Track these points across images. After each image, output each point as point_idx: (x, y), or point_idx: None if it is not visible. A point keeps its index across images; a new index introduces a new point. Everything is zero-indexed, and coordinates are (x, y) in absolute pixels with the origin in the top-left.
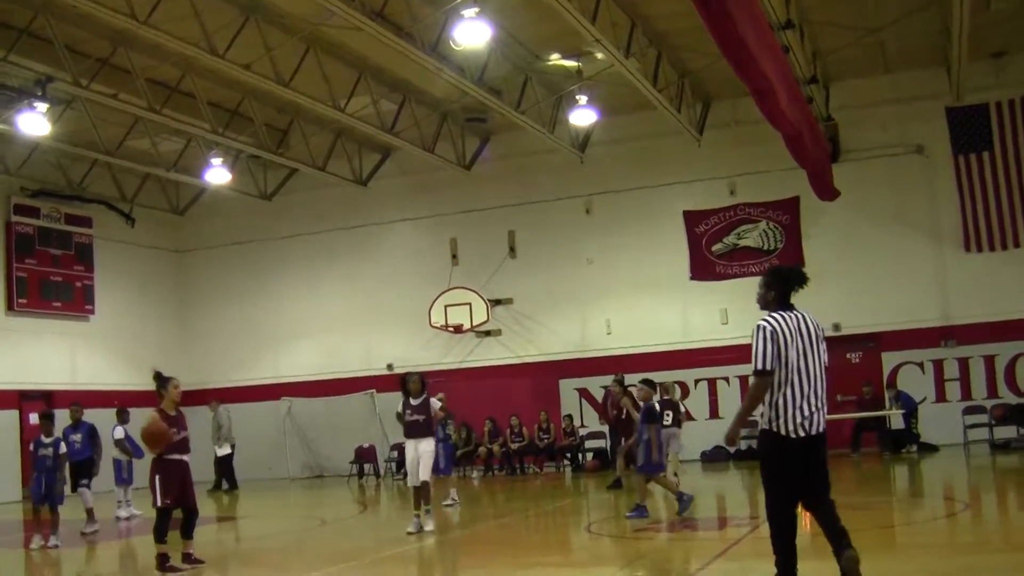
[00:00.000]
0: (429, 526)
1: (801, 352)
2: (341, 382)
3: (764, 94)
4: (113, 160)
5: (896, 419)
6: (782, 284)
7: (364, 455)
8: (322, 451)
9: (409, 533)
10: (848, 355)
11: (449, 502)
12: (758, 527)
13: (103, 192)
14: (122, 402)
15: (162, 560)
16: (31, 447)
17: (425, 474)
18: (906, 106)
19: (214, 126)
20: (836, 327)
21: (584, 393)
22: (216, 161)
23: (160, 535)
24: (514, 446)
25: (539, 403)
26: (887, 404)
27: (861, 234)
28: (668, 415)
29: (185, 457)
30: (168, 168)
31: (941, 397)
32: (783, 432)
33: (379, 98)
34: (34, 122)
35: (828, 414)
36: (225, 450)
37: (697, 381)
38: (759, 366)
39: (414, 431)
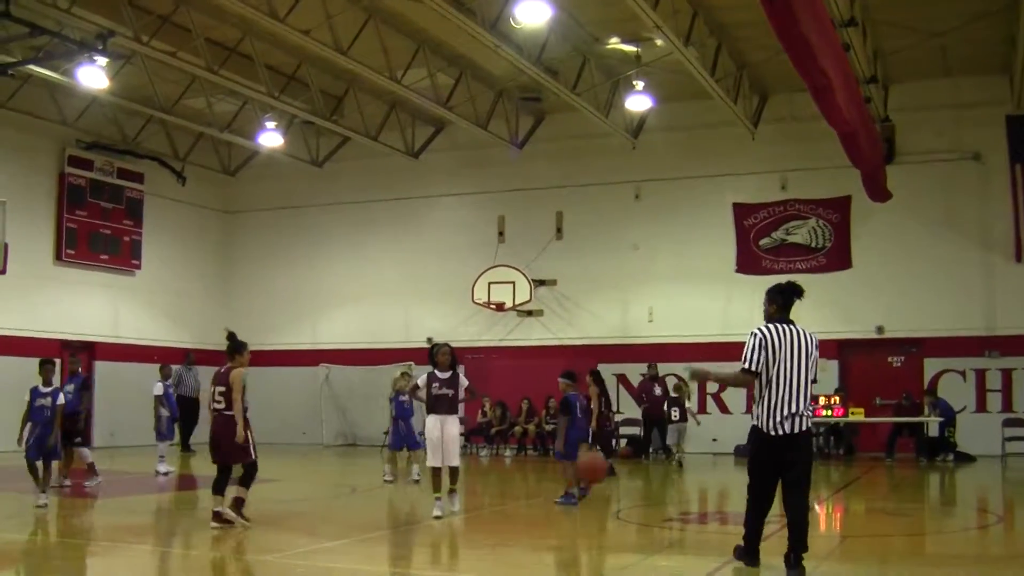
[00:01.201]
0: (456, 506)
1: (788, 361)
2: (379, 352)
3: (822, 91)
4: (168, 117)
5: (933, 427)
6: (781, 298)
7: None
8: (357, 420)
9: (436, 518)
10: (890, 359)
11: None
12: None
13: (156, 149)
14: (162, 358)
15: (238, 504)
16: (28, 396)
17: (453, 459)
18: (965, 112)
19: (270, 89)
20: (879, 329)
21: (622, 379)
22: (270, 124)
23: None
24: (548, 427)
25: (576, 386)
26: (925, 411)
27: (910, 238)
28: (676, 411)
29: (230, 413)
30: (222, 129)
31: (981, 407)
32: (765, 429)
33: (436, 71)
34: (93, 75)
35: (866, 416)
36: None
37: (743, 370)
38: (744, 365)
39: (440, 407)
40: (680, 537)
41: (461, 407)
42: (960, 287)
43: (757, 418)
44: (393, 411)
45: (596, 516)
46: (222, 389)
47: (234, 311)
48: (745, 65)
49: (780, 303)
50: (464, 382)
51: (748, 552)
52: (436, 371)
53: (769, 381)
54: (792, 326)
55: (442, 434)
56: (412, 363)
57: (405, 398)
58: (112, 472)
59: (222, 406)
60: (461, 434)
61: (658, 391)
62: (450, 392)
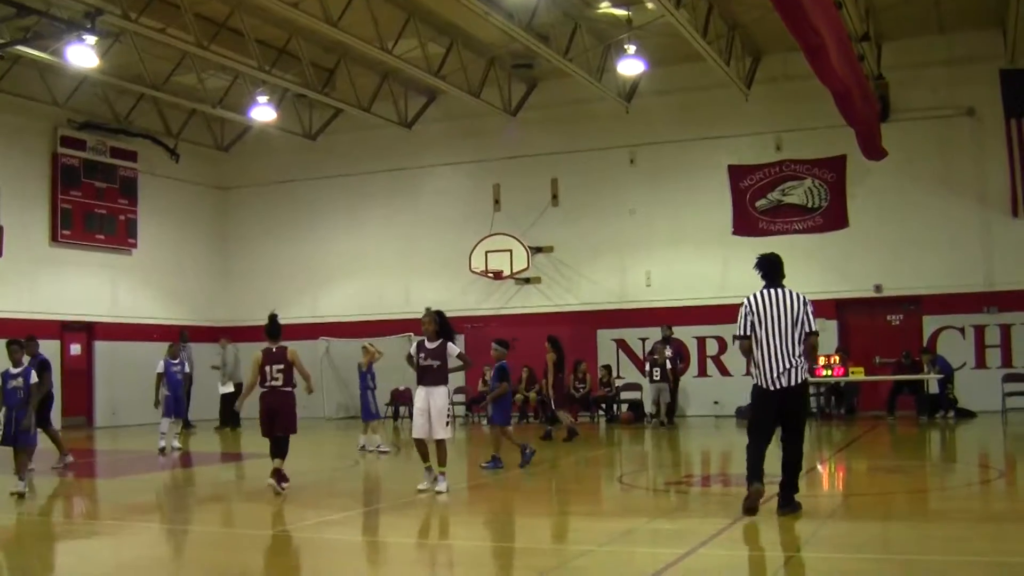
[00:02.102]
0: (442, 486)
1: (775, 323)
2: (379, 324)
3: (815, 50)
4: (159, 95)
5: (933, 384)
6: (761, 269)
7: (400, 397)
8: (358, 392)
9: (420, 490)
10: (889, 317)
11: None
12: None
13: (149, 127)
14: (161, 336)
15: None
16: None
17: (438, 431)
18: (959, 67)
19: (261, 64)
20: (878, 288)
21: (622, 344)
22: (262, 99)
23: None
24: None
25: (576, 353)
26: (925, 368)
27: (907, 196)
28: (656, 372)
29: (288, 388)
30: (214, 104)
31: (981, 363)
32: (764, 385)
33: (427, 41)
34: (83, 54)
35: (866, 375)
36: (228, 388)
37: (735, 337)
38: (736, 332)
39: (425, 378)
40: (684, 500)
41: (462, 376)
42: (957, 244)
43: (755, 376)
44: (369, 383)
45: (599, 482)
46: (280, 367)
47: (232, 287)
48: (737, 26)
49: (763, 272)
50: (454, 350)
51: (752, 476)
52: (424, 340)
53: (760, 342)
54: (779, 290)
55: (428, 406)
56: (412, 334)
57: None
58: (117, 451)
59: (280, 383)
60: (460, 404)
61: (669, 352)
62: (435, 363)
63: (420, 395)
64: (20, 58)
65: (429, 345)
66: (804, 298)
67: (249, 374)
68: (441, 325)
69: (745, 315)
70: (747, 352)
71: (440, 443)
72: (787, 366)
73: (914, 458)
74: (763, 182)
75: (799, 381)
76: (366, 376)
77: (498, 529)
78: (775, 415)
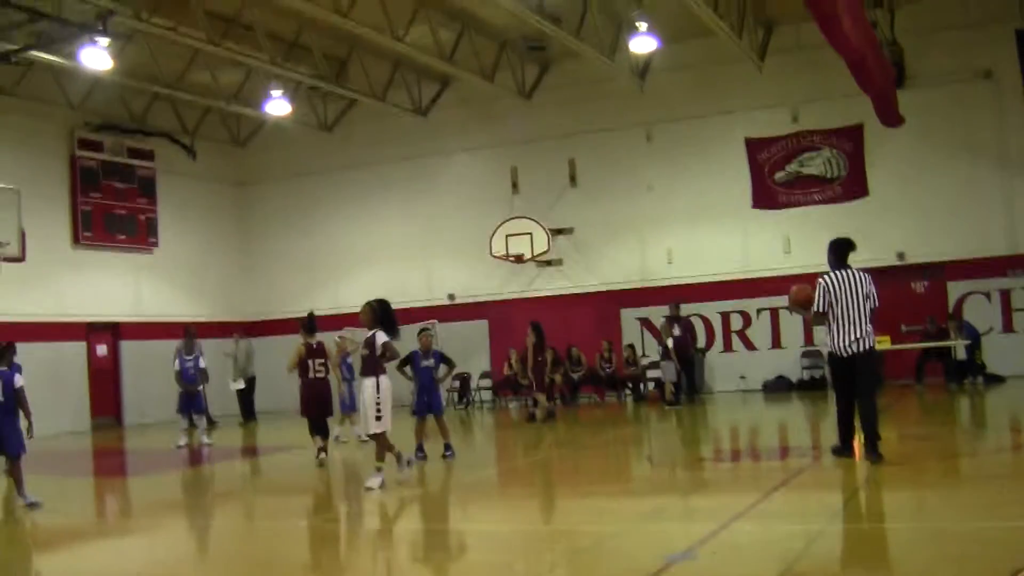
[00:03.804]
0: (373, 482)
1: (848, 299)
2: (402, 312)
3: (828, 18)
4: (174, 93)
5: (960, 350)
6: (837, 250)
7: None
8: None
9: (367, 489)
10: (913, 285)
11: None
12: (820, 457)
13: (165, 125)
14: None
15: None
16: None
17: (368, 426)
18: (974, 30)
19: (273, 57)
20: (900, 256)
21: (645, 323)
22: (276, 93)
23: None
24: (575, 375)
25: (601, 333)
26: (951, 335)
27: (926, 162)
28: (660, 350)
29: (327, 378)
30: (228, 100)
31: (1008, 327)
32: (838, 353)
33: (438, 27)
34: (96, 57)
35: (892, 344)
36: (238, 385)
37: (760, 311)
38: (815, 308)
39: (362, 368)
40: (714, 476)
41: (487, 360)
42: (979, 208)
43: (831, 346)
44: (345, 374)
45: (628, 461)
46: (321, 360)
47: (254, 281)
48: None
49: (835, 254)
50: (379, 340)
51: (844, 446)
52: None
53: (836, 317)
54: (849, 270)
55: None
56: (436, 321)
57: (351, 360)
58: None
59: (322, 374)
60: (487, 388)
61: (677, 331)
62: (365, 352)
63: (362, 387)
64: (34, 63)
65: (366, 335)
66: (869, 277)
67: (291, 362)
68: (382, 315)
69: (824, 293)
70: (820, 324)
71: (374, 437)
72: (858, 335)
73: (944, 425)
74: (781, 154)
75: (866, 348)
76: (340, 368)
77: (529, 511)
78: (851, 377)
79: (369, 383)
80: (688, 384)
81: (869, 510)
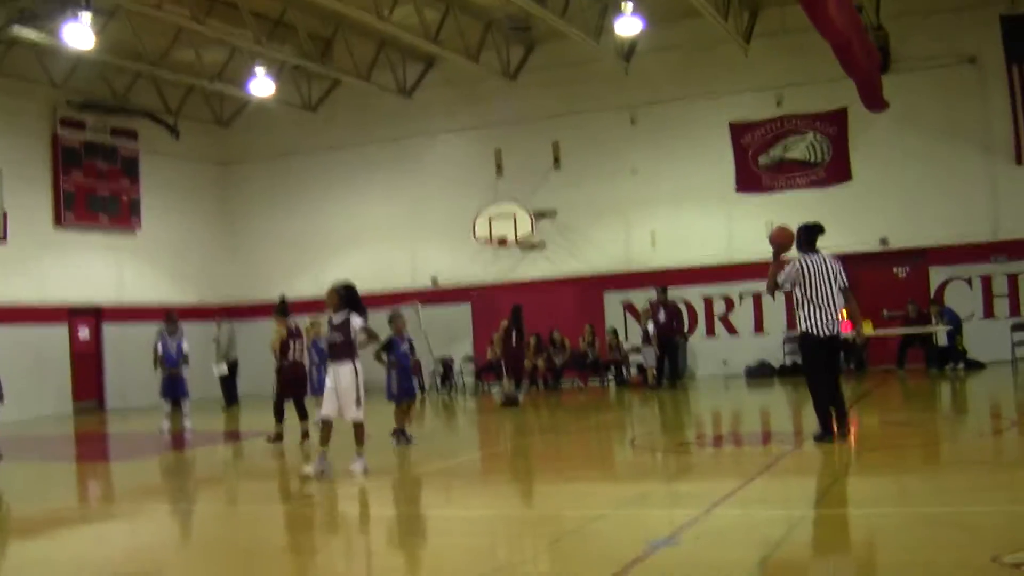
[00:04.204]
0: (357, 467)
1: (820, 282)
2: (386, 296)
3: (812, 2)
4: (157, 71)
5: (941, 336)
6: (807, 235)
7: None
8: (366, 364)
9: (304, 476)
10: (895, 270)
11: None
12: (802, 443)
13: (148, 104)
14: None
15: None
16: None
17: (349, 411)
18: (959, 15)
19: (257, 36)
20: (883, 241)
21: (629, 307)
22: (260, 72)
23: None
24: (557, 360)
25: (584, 317)
26: (933, 320)
27: (910, 147)
28: (642, 334)
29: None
30: (212, 79)
31: (989, 313)
32: (817, 333)
33: (423, 7)
34: (79, 33)
35: (874, 329)
36: (221, 369)
37: (742, 296)
38: (780, 281)
39: (332, 354)
40: (696, 461)
41: (470, 345)
42: (963, 194)
43: (807, 327)
44: (314, 357)
45: (611, 446)
46: (299, 342)
47: (238, 264)
48: None
49: (804, 238)
50: (357, 323)
51: (825, 432)
52: (331, 316)
53: (810, 299)
54: (819, 254)
55: (336, 385)
56: (419, 303)
57: (323, 344)
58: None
59: (300, 356)
60: (469, 374)
61: (662, 316)
62: (340, 338)
63: (329, 373)
64: (16, 40)
65: (334, 320)
66: (838, 259)
67: (274, 344)
68: (349, 299)
69: (796, 275)
70: (770, 288)
71: (356, 424)
72: (832, 318)
73: (926, 411)
74: (765, 138)
75: (838, 331)
76: (311, 351)
77: (511, 496)
78: (825, 358)
79: (347, 369)
80: (671, 369)
81: (851, 495)
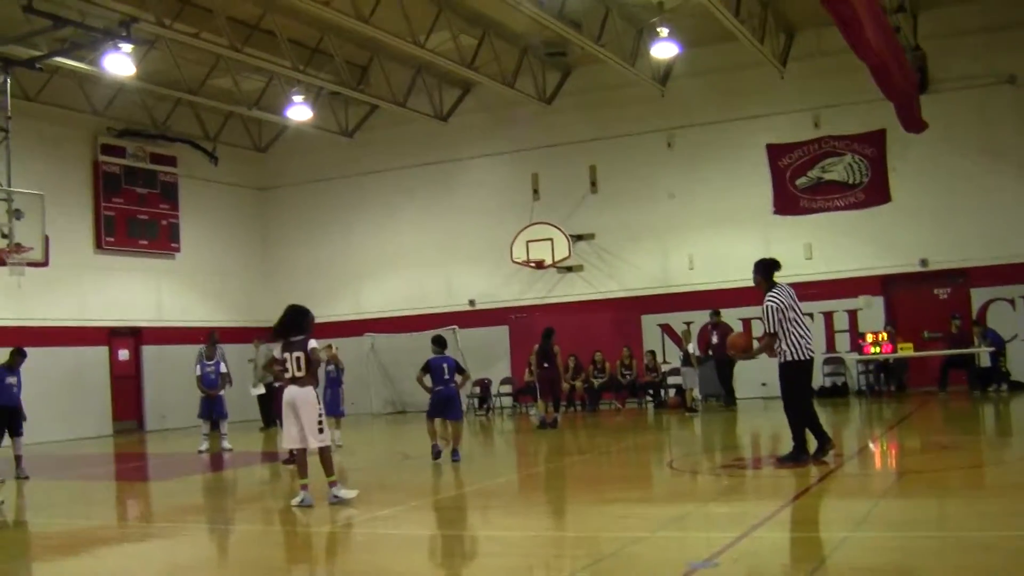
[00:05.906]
0: (341, 493)
1: (794, 311)
2: (423, 318)
3: (849, 23)
4: (196, 99)
5: (984, 357)
6: (765, 271)
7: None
8: (405, 387)
9: (295, 506)
10: (936, 291)
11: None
12: (842, 465)
13: (187, 131)
14: (207, 338)
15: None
16: None
17: (313, 439)
18: (997, 35)
19: (295, 63)
20: (923, 262)
21: (666, 329)
22: (297, 98)
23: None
24: (596, 382)
25: (621, 339)
26: (975, 342)
27: (949, 167)
28: (681, 356)
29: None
30: (250, 106)
31: None
32: (803, 357)
33: (458, 33)
34: (119, 63)
35: (915, 351)
36: (258, 390)
37: (768, 335)
38: (769, 330)
39: (292, 379)
40: (735, 483)
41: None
42: (1003, 213)
43: (792, 354)
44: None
45: (649, 467)
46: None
47: (275, 286)
48: (769, 3)
49: (764, 275)
50: (310, 345)
51: (799, 453)
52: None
53: (791, 329)
54: (780, 286)
55: (296, 412)
56: (456, 327)
57: (331, 367)
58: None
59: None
60: (508, 395)
61: (715, 338)
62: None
63: (287, 397)
64: (59, 69)
65: (293, 340)
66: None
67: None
68: (297, 323)
69: (775, 313)
70: (772, 346)
71: (320, 451)
72: (811, 341)
73: (968, 433)
74: (803, 160)
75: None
76: (327, 373)
77: (549, 518)
78: (809, 380)
79: (311, 394)
80: (726, 391)
81: (892, 519)
